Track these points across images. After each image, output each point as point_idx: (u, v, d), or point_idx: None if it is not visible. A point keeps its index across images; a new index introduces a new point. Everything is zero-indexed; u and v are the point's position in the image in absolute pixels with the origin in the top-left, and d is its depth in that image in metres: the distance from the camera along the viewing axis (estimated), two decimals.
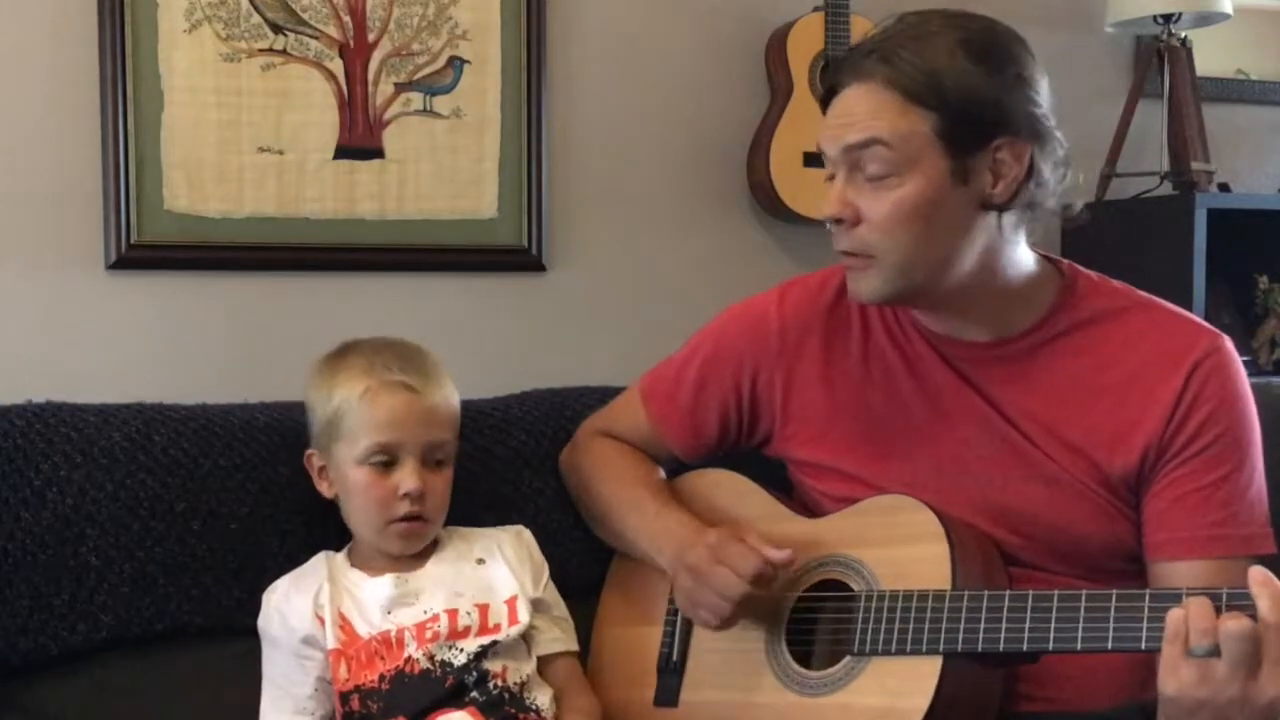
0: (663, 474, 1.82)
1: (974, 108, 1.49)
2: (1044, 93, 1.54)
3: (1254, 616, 1.27)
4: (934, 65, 1.49)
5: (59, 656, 1.68)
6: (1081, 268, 1.66)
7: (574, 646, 1.74)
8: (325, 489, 1.70)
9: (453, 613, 1.62)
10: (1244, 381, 1.57)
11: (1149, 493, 1.56)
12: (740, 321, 1.79)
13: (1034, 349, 1.60)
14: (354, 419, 1.64)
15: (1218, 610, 1.29)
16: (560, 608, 1.75)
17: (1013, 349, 1.60)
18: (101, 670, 1.71)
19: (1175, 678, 1.29)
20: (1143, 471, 1.55)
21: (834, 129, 1.54)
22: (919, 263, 1.53)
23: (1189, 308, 2.48)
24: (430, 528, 1.67)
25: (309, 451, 1.72)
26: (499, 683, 1.61)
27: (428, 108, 2.38)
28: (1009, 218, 1.55)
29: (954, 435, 1.62)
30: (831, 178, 1.57)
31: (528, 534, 1.77)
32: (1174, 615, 1.30)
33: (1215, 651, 1.27)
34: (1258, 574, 1.29)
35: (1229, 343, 1.58)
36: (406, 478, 1.63)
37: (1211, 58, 2.88)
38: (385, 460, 1.63)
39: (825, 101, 1.58)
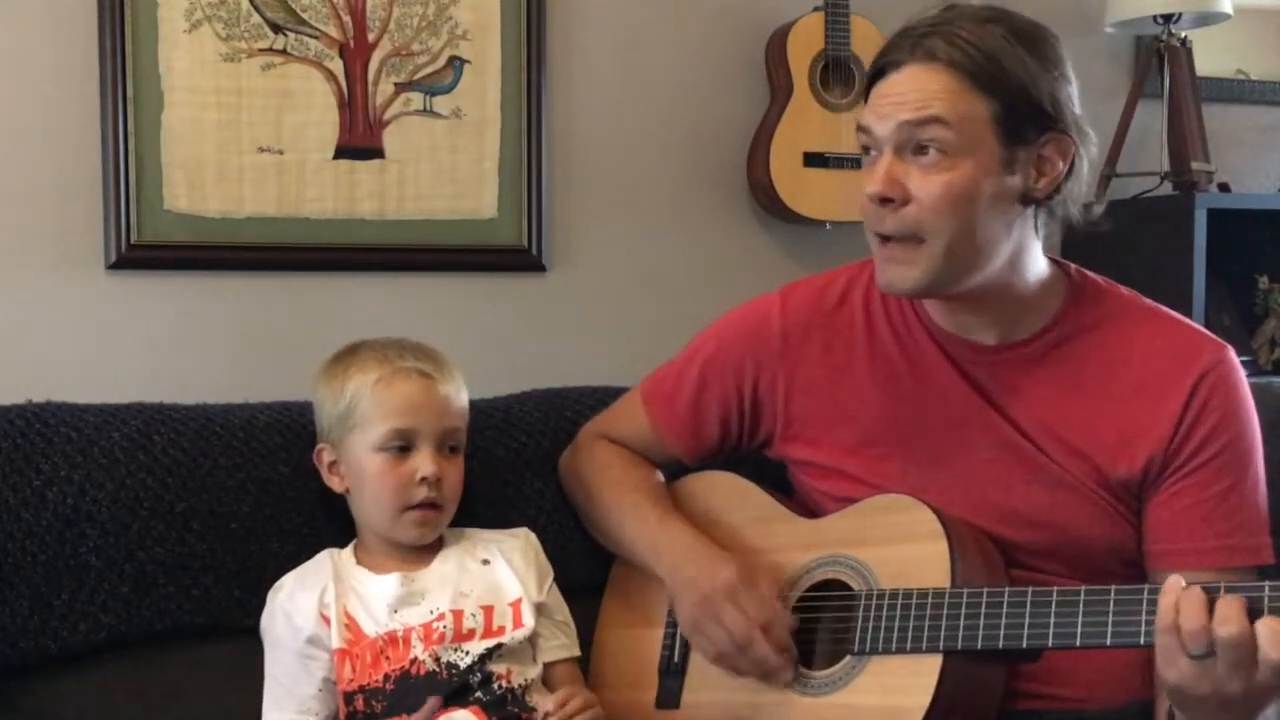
0: (661, 478, 1.82)
1: (1031, 99, 1.49)
2: (1077, 94, 1.55)
3: (1250, 611, 1.26)
4: (995, 52, 1.48)
5: (59, 656, 1.68)
6: (1089, 272, 1.66)
7: (576, 652, 1.74)
8: (336, 483, 1.71)
9: (458, 613, 1.62)
10: (1247, 392, 1.58)
11: (1152, 501, 1.56)
12: (742, 323, 1.78)
13: (1040, 353, 1.60)
14: (369, 406, 1.64)
15: (1211, 603, 1.28)
16: (563, 612, 1.75)
17: (1019, 353, 1.60)
18: (101, 670, 1.70)
19: (1175, 669, 1.30)
20: (1146, 480, 1.55)
21: (887, 106, 1.51)
22: (964, 249, 1.51)
23: (1189, 308, 2.50)
24: (444, 516, 1.68)
25: (319, 447, 1.72)
26: (503, 684, 1.61)
27: (428, 108, 2.38)
28: (1041, 216, 1.55)
29: (958, 437, 1.61)
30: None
31: (534, 538, 1.77)
32: (1164, 604, 1.30)
33: (1211, 652, 1.27)
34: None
35: (1233, 353, 1.59)
36: (424, 463, 1.64)
37: (1211, 58, 2.88)
38: (402, 446, 1.64)
39: (871, 81, 1.56)
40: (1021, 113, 1.49)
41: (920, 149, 1.50)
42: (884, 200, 1.51)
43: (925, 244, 1.51)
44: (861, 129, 1.56)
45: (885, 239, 1.54)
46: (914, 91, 1.49)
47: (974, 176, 1.49)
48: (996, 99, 1.48)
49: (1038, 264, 1.60)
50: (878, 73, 1.55)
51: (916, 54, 1.50)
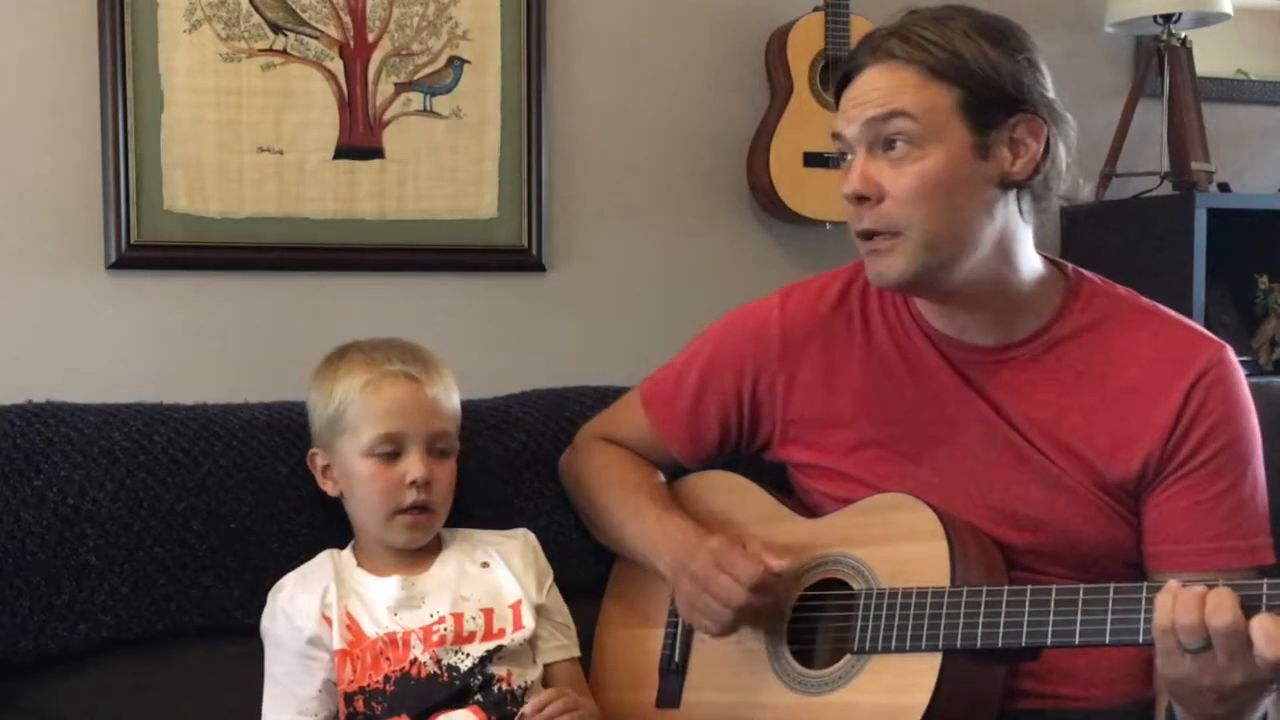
0: (662, 478, 1.82)
1: (994, 84, 1.50)
2: (1050, 82, 1.56)
3: (1245, 607, 1.27)
4: (954, 43, 1.50)
5: (59, 656, 1.68)
6: (1086, 271, 1.66)
7: (576, 653, 1.74)
8: (330, 488, 1.70)
9: (458, 616, 1.62)
10: (1246, 391, 1.57)
11: (1150, 502, 1.56)
12: (741, 326, 1.78)
13: (1038, 354, 1.60)
14: (358, 410, 1.64)
15: (1204, 597, 1.28)
16: (562, 613, 1.75)
17: (1017, 353, 1.60)
18: (101, 670, 1.70)
19: (1176, 666, 1.30)
20: (1143, 480, 1.55)
21: (853, 108, 1.54)
22: (944, 237, 1.52)
23: (1189, 308, 2.50)
24: (436, 519, 1.67)
25: (311, 451, 1.72)
26: (503, 686, 1.61)
27: (428, 108, 2.38)
28: (1025, 201, 1.56)
29: (956, 439, 1.61)
30: (839, 161, 1.57)
31: (533, 539, 1.76)
32: (1161, 604, 1.30)
33: (1208, 644, 1.28)
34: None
35: (1231, 352, 1.58)
36: (413, 466, 1.63)
37: (1211, 58, 2.89)
38: (391, 450, 1.64)
39: (839, 90, 1.58)
40: (986, 98, 1.50)
41: (889, 144, 1.51)
42: (860, 198, 1.53)
43: (903, 235, 1.52)
44: (834, 136, 1.58)
45: (866, 235, 1.55)
46: (876, 90, 1.52)
47: (945, 165, 1.50)
48: (959, 86, 1.50)
49: (1031, 259, 1.60)
50: (843, 80, 1.57)
51: (877, 55, 1.53)
